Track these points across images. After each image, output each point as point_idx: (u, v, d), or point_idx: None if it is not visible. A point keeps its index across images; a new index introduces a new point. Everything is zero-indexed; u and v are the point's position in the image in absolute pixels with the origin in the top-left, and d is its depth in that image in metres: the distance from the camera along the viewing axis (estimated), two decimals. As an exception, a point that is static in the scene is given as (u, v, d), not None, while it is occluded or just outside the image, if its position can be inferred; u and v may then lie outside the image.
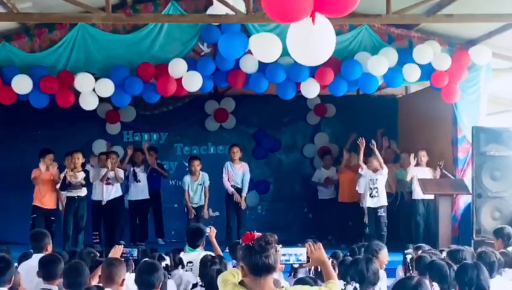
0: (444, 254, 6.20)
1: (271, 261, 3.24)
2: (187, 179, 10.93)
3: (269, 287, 3.29)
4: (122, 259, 5.38)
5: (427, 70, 9.91)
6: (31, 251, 6.30)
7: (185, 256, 6.48)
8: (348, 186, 11.56)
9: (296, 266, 5.64)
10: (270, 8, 4.55)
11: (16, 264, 5.41)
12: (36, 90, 9.35)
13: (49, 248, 6.23)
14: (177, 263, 6.22)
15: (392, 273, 6.46)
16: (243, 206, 10.84)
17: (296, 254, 3.64)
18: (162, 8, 9.64)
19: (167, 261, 6.15)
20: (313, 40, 4.58)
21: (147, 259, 5.70)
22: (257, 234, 3.31)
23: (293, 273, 6.20)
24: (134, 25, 9.71)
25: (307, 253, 3.65)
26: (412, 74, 9.84)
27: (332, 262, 5.50)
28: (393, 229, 10.73)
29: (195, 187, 10.89)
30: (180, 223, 11.29)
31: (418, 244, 7.06)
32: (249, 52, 9.40)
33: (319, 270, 5.48)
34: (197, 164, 10.88)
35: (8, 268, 4.74)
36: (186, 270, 6.19)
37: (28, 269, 5.66)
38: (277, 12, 4.56)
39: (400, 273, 6.39)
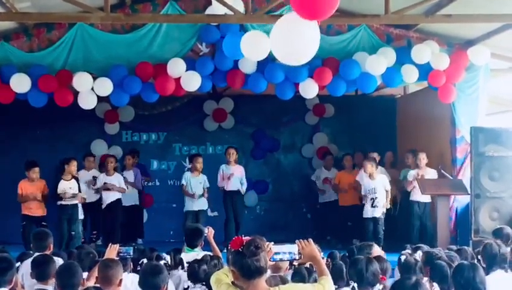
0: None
1: (262, 264, 3.27)
2: (187, 174, 10.96)
3: (262, 287, 3.31)
4: (118, 258, 5.37)
5: (426, 70, 9.91)
6: (30, 251, 6.29)
7: (183, 256, 6.48)
8: (348, 189, 11.57)
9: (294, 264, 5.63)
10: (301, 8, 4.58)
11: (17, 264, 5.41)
12: (35, 89, 9.34)
13: (51, 247, 6.24)
14: (177, 263, 6.21)
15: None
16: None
17: (289, 251, 3.65)
18: (160, 8, 9.64)
19: (165, 260, 6.14)
20: (297, 39, 4.55)
21: (150, 261, 5.70)
22: (245, 239, 3.33)
23: (292, 273, 6.19)
24: (133, 24, 9.71)
25: (298, 250, 3.66)
26: (410, 75, 9.84)
27: (327, 261, 5.52)
28: (391, 230, 10.74)
29: (196, 184, 10.83)
30: (179, 223, 11.29)
31: (417, 245, 7.06)
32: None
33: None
34: (201, 161, 10.92)
35: (9, 269, 4.72)
36: (185, 271, 6.19)
37: (29, 268, 5.66)
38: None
39: (398, 273, 6.37)
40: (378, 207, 10.31)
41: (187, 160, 12.16)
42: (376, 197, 10.32)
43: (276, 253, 3.55)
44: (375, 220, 10.33)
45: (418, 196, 10.49)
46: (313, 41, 4.69)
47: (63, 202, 10.12)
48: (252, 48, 8.59)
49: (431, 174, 10.63)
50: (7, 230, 11.20)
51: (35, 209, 10.20)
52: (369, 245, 6.22)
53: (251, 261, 3.24)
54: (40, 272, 5.14)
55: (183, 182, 10.87)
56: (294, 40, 4.61)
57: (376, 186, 10.35)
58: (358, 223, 10.97)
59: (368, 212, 10.41)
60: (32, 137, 12.09)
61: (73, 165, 10.24)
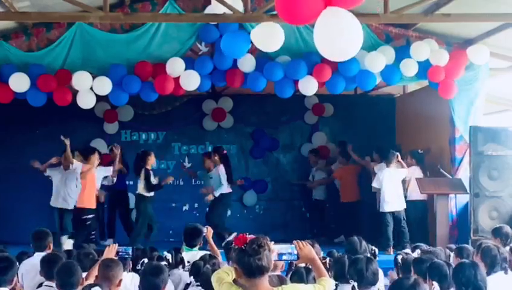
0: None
1: (264, 263, 3.27)
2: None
3: (264, 287, 3.31)
4: (117, 257, 5.38)
5: (425, 68, 9.89)
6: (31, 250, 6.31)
7: (182, 255, 6.48)
8: (349, 183, 11.61)
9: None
10: (283, 11, 4.66)
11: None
12: (34, 88, 9.33)
13: (51, 247, 6.26)
14: (178, 262, 6.22)
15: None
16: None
17: (290, 252, 3.67)
18: (159, 7, 9.63)
19: (166, 259, 6.14)
20: (340, 36, 4.68)
21: (151, 261, 5.70)
22: (249, 237, 3.34)
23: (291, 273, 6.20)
24: (132, 24, 9.71)
25: (296, 250, 3.68)
26: (409, 69, 9.79)
27: (329, 260, 5.52)
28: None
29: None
30: (178, 222, 11.28)
31: (416, 244, 7.07)
32: (250, 51, 9.41)
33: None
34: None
35: (10, 268, 4.74)
36: (185, 270, 6.19)
37: (29, 268, 5.68)
38: (290, 15, 4.67)
39: (393, 274, 6.35)
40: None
41: (186, 159, 12.14)
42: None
43: (282, 253, 3.58)
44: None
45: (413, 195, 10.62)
46: (358, 35, 4.82)
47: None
48: (265, 39, 8.61)
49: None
50: (8, 230, 11.19)
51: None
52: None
53: (253, 259, 3.25)
54: (49, 270, 5.17)
55: None
56: (339, 36, 4.73)
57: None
58: (357, 222, 11.00)
59: None
60: (31, 137, 12.08)
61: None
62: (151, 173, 10.67)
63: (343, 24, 4.72)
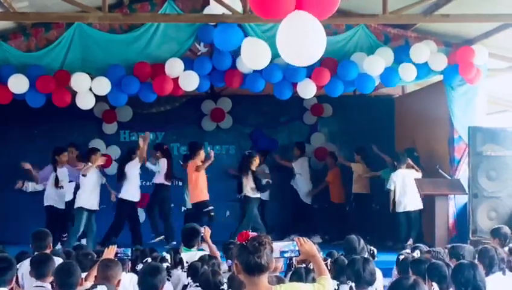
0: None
1: (263, 261, 3.27)
2: None
3: (264, 286, 3.31)
4: (116, 259, 5.39)
5: (424, 69, 9.90)
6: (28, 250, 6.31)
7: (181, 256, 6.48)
8: (337, 185, 11.79)
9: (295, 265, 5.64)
10: (255, 4, 4.69)
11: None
12: (32, 89, 9.32)
13: (51, 247, 6.26)
14: (177, 262, 6.22)
15: (388, 273, 6.47)
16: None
17: (291, 249, 3.67)
18: (158, 7, 9.63)
19: (168, 262, 6.14)
20: (302, 40, 4.65)
21: (149, 261, 5.71)
22: (252, 234, 3.34)
23: (290, 274, 6.20)
24: (131, 24, 9.71)
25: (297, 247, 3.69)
26: (408, 73, 9.81)
27: (329, 260, 5.52)
28: (391, 229, 10.77)
29: None
30: (177, 222, 11.26)
31: (416, 245, 7.07)
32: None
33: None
34: None
35: (9, 268, 4.75)
36: (184, 271, 6.19)
37: (29, 268, 5.66)
38: (260, 8, 4.69)
39: (395, 273, 6.39)
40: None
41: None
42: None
43: (284, 251, 3.58)
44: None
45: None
46: (321, 41, 4.79)
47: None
48: (253, 57, 8.75)
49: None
50: (7, 230, 11.18)
51: None
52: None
53: (252, 256, 3.25)
54: (39, 270, 5.18)
55: None
56: (301, 40, 4.70)
57: None
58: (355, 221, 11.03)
59: None
60: (30, 137, 12.07)
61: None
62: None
63: (306, 29, 4.70)
